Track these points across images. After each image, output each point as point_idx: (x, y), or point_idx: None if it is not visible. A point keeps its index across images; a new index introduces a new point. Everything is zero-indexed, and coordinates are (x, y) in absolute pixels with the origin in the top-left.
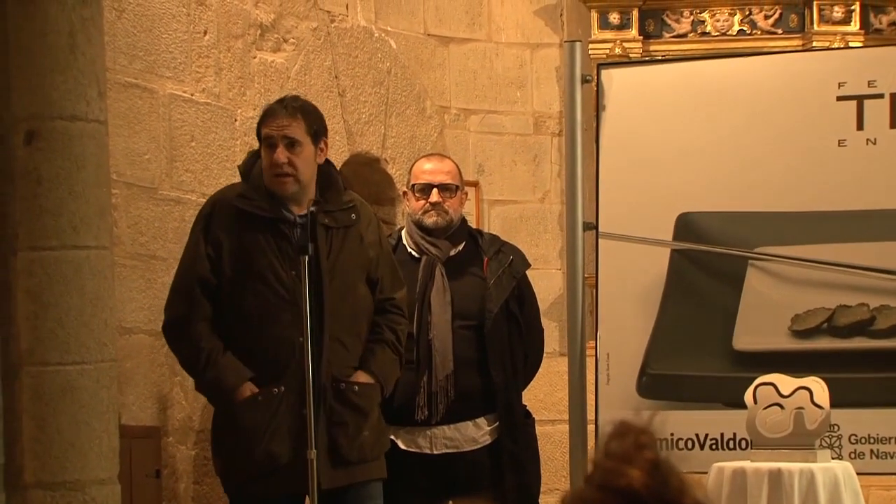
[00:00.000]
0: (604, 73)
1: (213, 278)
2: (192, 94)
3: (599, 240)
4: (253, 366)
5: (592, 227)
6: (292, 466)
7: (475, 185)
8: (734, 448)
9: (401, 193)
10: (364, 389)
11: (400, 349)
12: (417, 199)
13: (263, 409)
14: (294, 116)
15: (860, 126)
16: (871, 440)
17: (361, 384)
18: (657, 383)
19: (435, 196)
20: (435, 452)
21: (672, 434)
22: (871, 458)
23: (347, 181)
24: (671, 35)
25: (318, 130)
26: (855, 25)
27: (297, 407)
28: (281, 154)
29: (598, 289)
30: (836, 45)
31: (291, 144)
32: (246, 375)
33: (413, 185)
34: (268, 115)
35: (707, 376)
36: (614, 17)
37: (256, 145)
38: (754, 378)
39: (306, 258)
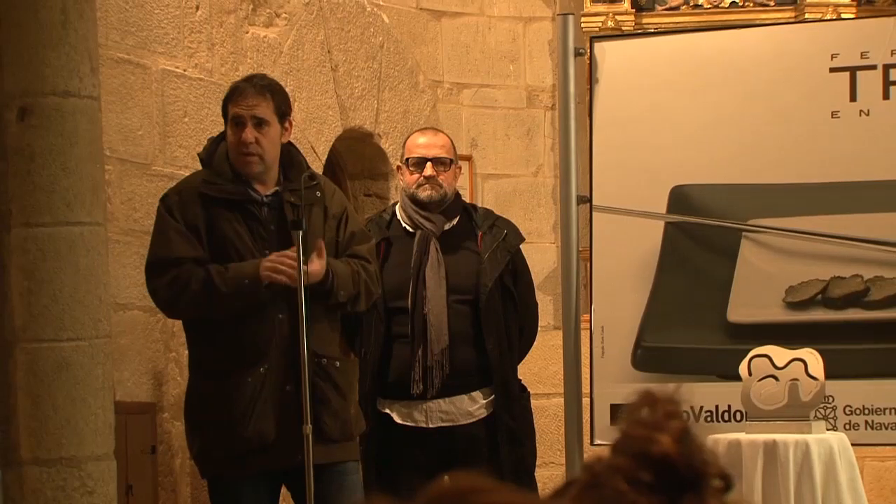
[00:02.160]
0: (596, 46)
1: (199, 249)
2: (184, 70)
3: (593, 213)
4: (236, 345)
5: (586, 200)
6: (276, 444)
7: (468, 159)
8: (729, 420)
9: (394, 168)
10: (345, 366)
11: (357, 278)
12: (411, 173)
13: (251, 387)
14: (263, 95)
15: (853, 97)
16: (866, 411)
17: (342, 360)
18: (652, 356)
19: (429, 170)
20: (431, 426)
21: None
22: (866, 429)
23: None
24: (663, 8)
25: (284, 110)
26: None
27: (280, 384)
28: (249, 133)
29: (592, 262)
30: (828, 17)
31: (259, 124)
32: (257, 261)
33: (407, 159)
34: (236, 94)
35: (701, 349)
36: None
37: None
38: (749, 350)
39: (300, 233)
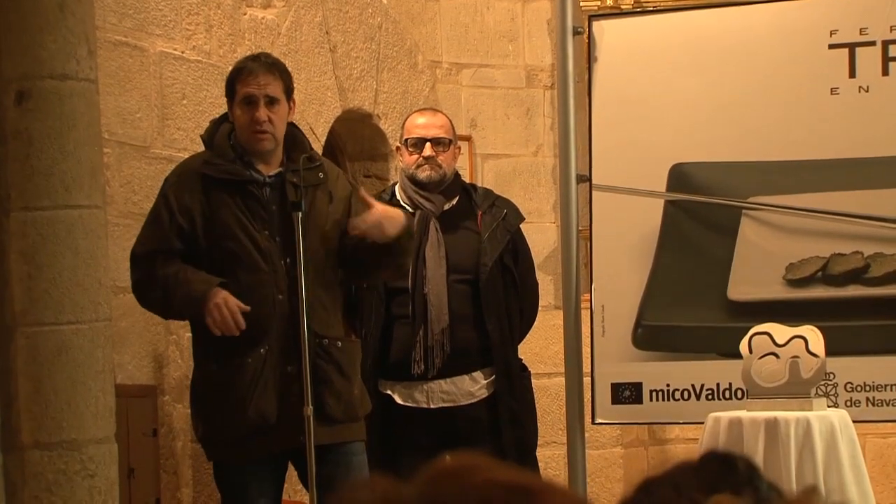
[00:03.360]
0: (595, 24)
1: (178, 245)
2: (182, 52)
3: (593, 192)
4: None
5: (586, 179)
6: (278, 425)
7: (468, 139)
8: (730, 398)
9: (394, 149)
10: (347, 346)
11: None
12: (410, 154)
13: (251, 369)
14: (273, 74)
15: (852, 74)
16: (867, 388)
17: (344, 340)
18: (652, 334)
19: (428, 150)
20: (432, 406)
21: (668, 385)
22: (867, 405)
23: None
24: None
25: (290, 88)
26: None
27: (280, 365)
28: (263, 112)
29: (592, 241)
30: None
31: (271, 102)
32: (214, 281)
33: (406, 140)
34: (245, 73)
35: (702, 327)
36: None
37: None
38: (749, 328)
39: (300, 214)
